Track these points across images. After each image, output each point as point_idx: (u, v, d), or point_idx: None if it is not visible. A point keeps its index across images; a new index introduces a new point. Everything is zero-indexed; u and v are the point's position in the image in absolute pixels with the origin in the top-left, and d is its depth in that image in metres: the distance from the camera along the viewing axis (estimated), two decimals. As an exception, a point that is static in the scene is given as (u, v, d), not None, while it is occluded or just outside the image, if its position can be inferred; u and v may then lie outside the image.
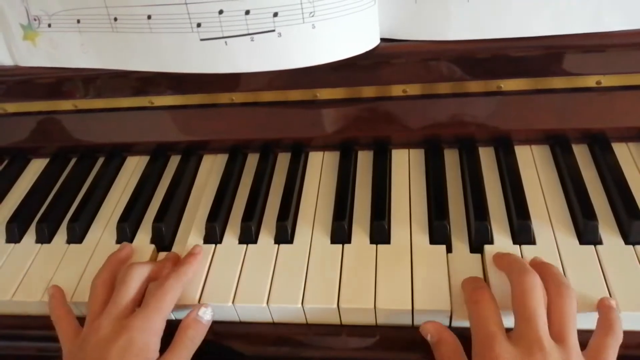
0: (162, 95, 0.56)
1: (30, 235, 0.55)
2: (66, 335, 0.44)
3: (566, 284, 0.39)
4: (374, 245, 0.47)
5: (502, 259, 0.43)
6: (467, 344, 0.39)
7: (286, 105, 0.55)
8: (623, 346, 0.41)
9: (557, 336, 0.36)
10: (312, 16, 0.44)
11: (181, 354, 0.41)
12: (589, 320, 0.40)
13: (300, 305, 0.43)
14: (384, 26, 0.48)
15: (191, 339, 0.42)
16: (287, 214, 0.50)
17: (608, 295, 0.41)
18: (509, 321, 0.38)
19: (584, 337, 0.38)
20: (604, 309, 0.39)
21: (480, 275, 0.44)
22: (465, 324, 0.40)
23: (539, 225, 0.47)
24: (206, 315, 0.44)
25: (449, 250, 0.46)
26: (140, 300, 0.44)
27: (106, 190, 0.59)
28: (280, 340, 0.46)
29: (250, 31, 0.44)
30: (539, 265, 0.42)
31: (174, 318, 0.46)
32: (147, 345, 0.40)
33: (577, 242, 0.45)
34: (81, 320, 0.44)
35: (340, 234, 0.48)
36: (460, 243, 0.47)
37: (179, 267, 0.45)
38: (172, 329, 0.43)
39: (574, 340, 0.36)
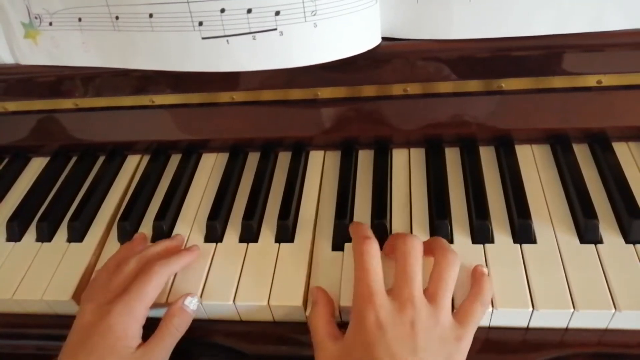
0: (163, 94, 0.56)
1: (30, 234, 0.55)
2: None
3: (450, 250, 0.42)
4: (375, 244, 0.47)
5: (392, 239, 0.44)
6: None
7: (287, 104, 0.55)
8: (623, 345, 0.41)
9: (431, 296, 0.39)
10: (314, 15, 0.44)
11: (165, 341, 0.41)
12: (592, 317, 0.40)
13: (301, 303, 0.43)
14: (386, 25, 0.48)
15: (176, 327, 0.42)
16: (287, 212, 0.50)
17: (607, 292, 0.41)
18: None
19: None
20: (476, 275, 0.42)
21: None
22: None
23: (539, 224, 0.47)
24: (192, 304, 0.44)
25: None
26: None
27: (107, 188, 0.59)
28: (281, 339, 0.46)
29: (252, 30, 0.44)
30: (430, 240, 0.44)
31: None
32: (125, 331, 0.40)
33: (577, 241, 0.45)
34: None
35: (341, 233, 0.48)
36: (462, 242, 0.47)
37: (169, 256, 0.45)
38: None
39: (445, 301, 0.39)
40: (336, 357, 0.38)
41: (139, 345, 0.41)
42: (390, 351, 0.36)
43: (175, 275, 0.47)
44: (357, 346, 0.37)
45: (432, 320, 0.38)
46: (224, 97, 0.55)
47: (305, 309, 0.44)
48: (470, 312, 0.39)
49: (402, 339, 0.36)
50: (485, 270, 0.42)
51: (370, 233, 0.43)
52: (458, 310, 0.40)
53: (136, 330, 0.41)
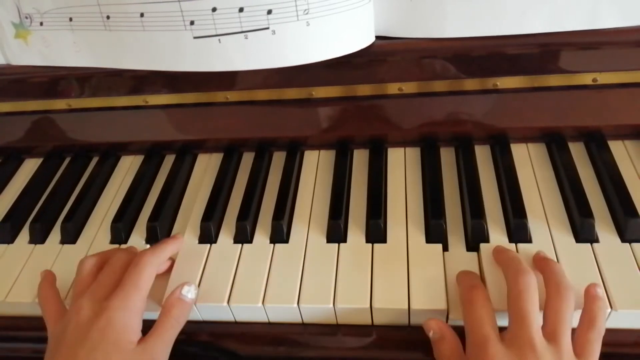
0: (157, 94, 0.56)
1: (23, 236, 0.54)
2: (50, 316, 0.43)
3: (565, 285, 0.39)
4: (370, 244, 0.47)
5: (500, 255, 0.43)
6: (463, 341, 0.39)
7: (281, 103, 0.54)
8: (619, 344, 0.41)
9: (550, 336, 0.36)
10: (307, 13, 0.44)
11: (165, 334, 0.40)
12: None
13: (296, 305, 0.43)
14: (380, 24, 0.48)
15: (175, 319, 0.41)
16: (282, 213, 0.50)
17: (603, 291, 0.40)
18: (505, 320, 0.38)
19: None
20: (589, 299, 0.39)
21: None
22: (462, 322, 0.40)
23: (535, 223, 0.47)
24: (190, 293, 0.43)
25: (445, 248, 0.46)
26: None
27: (100, 190, 0.59)
28: (276, 340, 0.45)
29: (244, 29, 0.44)
30: (541, 261, 0.42)
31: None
32: (127, 325, 0.39)
33: (573, 240, 0.45)
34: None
35: (336, 233, 0.48)
36: (457, 241, 0.46)
37: (155, 246, 0.46)
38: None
39: (566, 340, 0.36)
40: None
41: (140, 340, 0.39)
42: None
43: (170, 277, 0.46)
44: None
45: None
46: (218, 96, 0.55)
47: (300, 310, 0.44)
48: (588, 344, 0.36)
49: None
50: (599, 291, 0.39)
51: (477, 281, 0.41)
52: (574, 344, 0.37)
53: (136, 324, 0.40)
